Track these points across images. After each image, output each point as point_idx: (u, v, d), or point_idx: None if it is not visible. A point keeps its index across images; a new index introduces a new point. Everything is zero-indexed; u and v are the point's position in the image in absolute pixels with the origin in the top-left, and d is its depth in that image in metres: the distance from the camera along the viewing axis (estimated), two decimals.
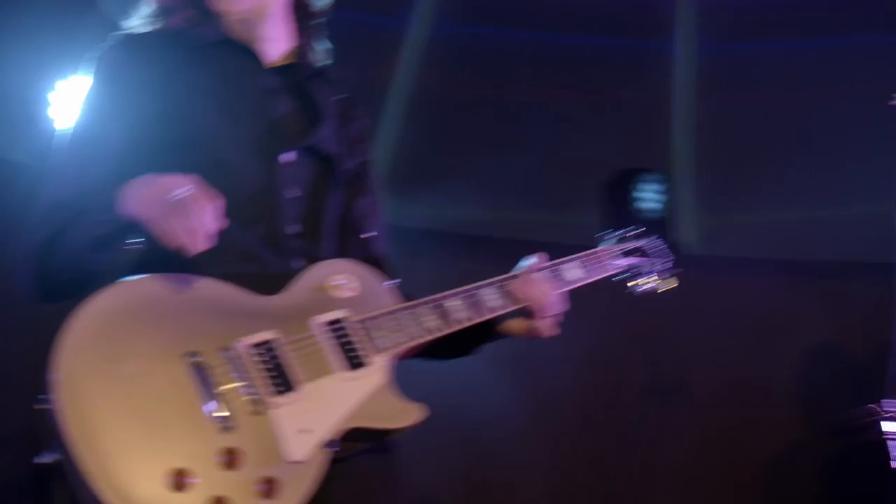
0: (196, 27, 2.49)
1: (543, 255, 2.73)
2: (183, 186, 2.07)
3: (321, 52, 2.69)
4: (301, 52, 2.62)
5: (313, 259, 2.40)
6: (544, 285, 2.64)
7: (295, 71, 2.58)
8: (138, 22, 2.53)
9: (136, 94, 2.36)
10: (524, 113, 6.60)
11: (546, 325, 2.65)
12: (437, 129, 6.59)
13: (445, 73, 6.79)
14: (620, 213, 6.21)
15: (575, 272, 2.78)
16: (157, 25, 2.52)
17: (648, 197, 6.33)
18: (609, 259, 2.92)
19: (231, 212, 2.21)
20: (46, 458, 1.99)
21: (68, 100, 5.32)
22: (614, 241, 3.00)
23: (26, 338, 3.34)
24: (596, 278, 2.85)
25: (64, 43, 5.39)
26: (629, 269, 3.00)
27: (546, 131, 6.51)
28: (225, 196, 2.21)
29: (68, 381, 1.96)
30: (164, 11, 2.52)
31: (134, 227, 2.14)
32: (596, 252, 2.89)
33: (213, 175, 2.27)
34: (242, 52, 2.50)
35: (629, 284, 3.01)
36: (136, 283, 2.13)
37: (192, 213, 2.04)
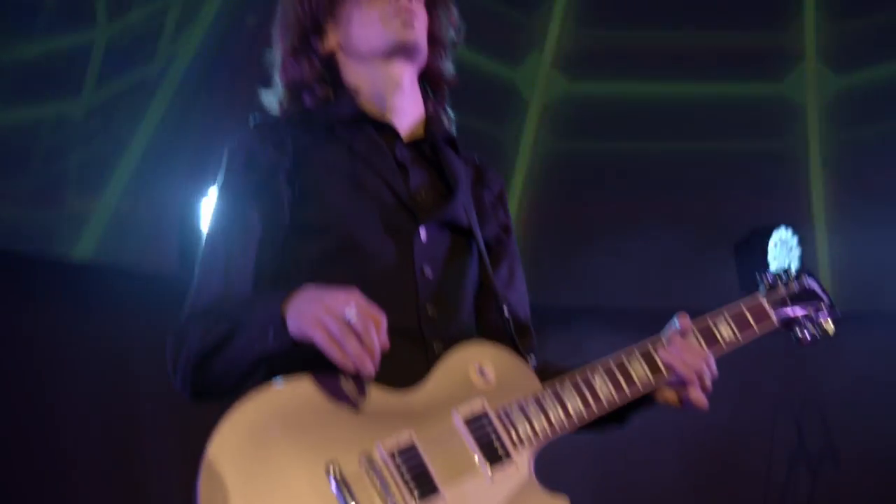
0: (328, 105, 2.50)
1: (686, 317, 2.50)
2: (349, 304, 2.03)
3: (449, 119, 2.66)
4: (431, 121, 2.58)
5: (453, 340, 2.34)
6: (694, 350, 2.43)
7: (426, 142, 2.55)
8: (272, 104, 2.57)
9: (268, 181, 2.36)
10: (652, 171, 6.58)
11: (698, 396, 2.42)
12: (564, 195, 6.62)
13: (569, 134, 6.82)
14: (757, 271, 6.18)
15: (727, 330, 2.51)
16: (291, 106, 2.54)
17: (783, 254, 6.30)
18: (764, 310, 2.60)
19: (367, 294, 2.15)
20: None
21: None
22: (764, 289, 2.67)
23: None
24: (752, 334, 2.56)
25: (215, 147, 5.61)
26: (789, 317, 2.65)
27: (676, 189, 6.49)
28: (360, 278, 2.23)
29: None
30: (297, 91, 2.53)
31: (299, 346, 2.09)
32: (749, 304, 2.58)
33: (348, 257, 2.30)
34: (374, 126, 2.49)
35: (791, 334, 2.69)
36: (280, 391, 2.11)
37: (365, 335, 2.02)
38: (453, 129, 2.64)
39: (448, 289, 2.41)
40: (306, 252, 2.32)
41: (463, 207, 2.49)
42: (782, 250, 6.34)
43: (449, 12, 2.61)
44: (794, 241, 6.39)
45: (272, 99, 2.57)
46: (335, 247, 2.32)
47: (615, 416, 2.46)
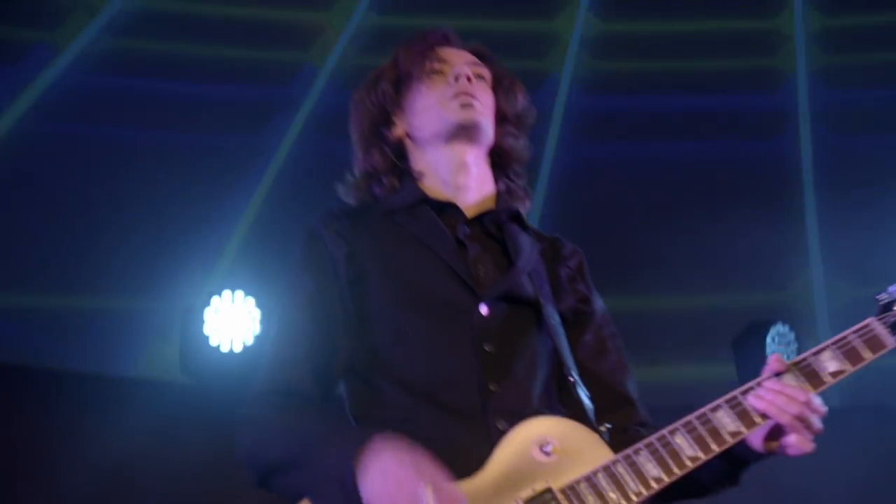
0: (393, 194, 2.52)
1: (780, 357, 2.25)
2: (426, 489, 1.98)
3: (525, 194, 2.63)
4: (499, 197, 2.56)
5: (520, 417, 2.23)
6: (790, 390, 2.19)
7: (490, 217, 2.52)
8: (346, 194, 2.59)
9: (330, 270, 2.38)
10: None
11: (802, 442, 2.17)
12: None
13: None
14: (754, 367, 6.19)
15: (834, 363, 2.22)
16: (360, 197, 2.57)
17: (780, 349, 6.33)
18: (876, 336, 2.26)
19: (432, 376, 2.19)
20: None
21: (223, 315, 5.51)
22: (878, 311, 2.31)
23: None
24: (863, 363, 2.25)
25: (215, 257, 5.62)
26: None
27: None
28: (420, 361, 2.23)
29: None
30: (368, 181, 2.57)
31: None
32: (859, 331, 2.27)
33: (406, 342, 2.29)
34: (435, 207, 2.48)
35: None
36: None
37: None
38: (527, 204, 2.63)
39: (513, 364, 2.34)
40: (365, 339, 2.32)
41: (528, 279, 2.45)
42: (780, 345, 6.38)
43: (516, 90, 2.63)
44: (791, 335, 6.43)
45: (345, 189, 2.60)
46: (392, 332, 2.32)
47: (701, 486, 2.30)
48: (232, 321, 5.56)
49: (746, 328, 6.46)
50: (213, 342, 5.52)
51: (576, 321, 2.51)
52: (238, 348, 5.54)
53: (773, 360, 2.24)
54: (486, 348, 2.31)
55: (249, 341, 5.55)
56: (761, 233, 6.50)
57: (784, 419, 2.16)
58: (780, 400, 2.17)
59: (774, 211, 6.71)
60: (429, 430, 2.21)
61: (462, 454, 2.17)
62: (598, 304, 2.57)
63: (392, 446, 2.06)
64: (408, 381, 2.29)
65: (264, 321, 5.53)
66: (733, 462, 2.25)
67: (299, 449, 2.18)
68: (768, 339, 6.37)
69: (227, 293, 5.58)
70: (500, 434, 2.21)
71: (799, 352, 6.32)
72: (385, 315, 2.34)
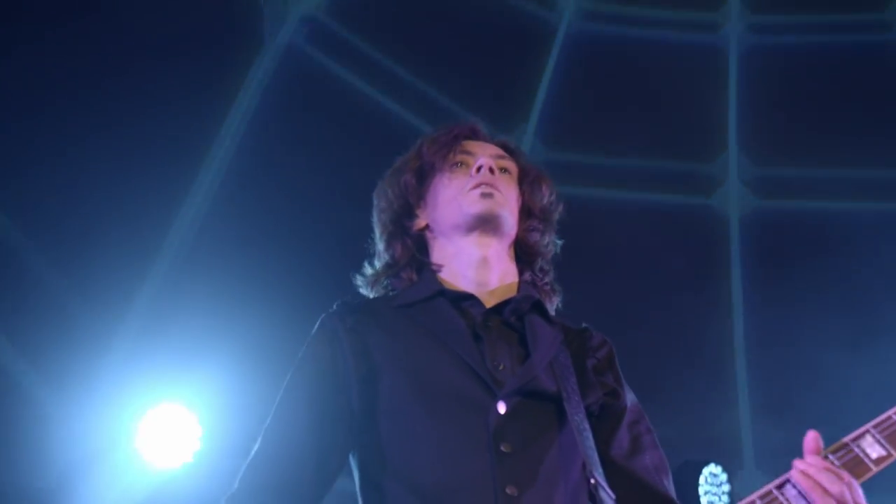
0: (410, 288, 2.44)
1: (817, 438, 2.09)
2: None
3: (551, 290, 2.54)
4: (520, 287, 2.46)
5: None
6: (843, 476, 2.03)
7: (511, 307, 2.39)
8: (361, 284, 2.53)
9: (340, 366, 2.28)
10: None
11: None
12: None
13: None
14: None
15: (876, 448, 2.07)
16: (378, 288, 2.51)
17: (712, 490, 6.34)
18: None
19: (444, 479, 2.08)
20: None
21: (157, 430, 5.23)
22: None
23: None
24: None
25: (155, 368, 5.36)
26: None
27: None
28: (433, 461, 2.12)
29: None
30: (386, 275, 2.50)
31: None
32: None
33: (417, 441, 2.17)
34: (455, 299, 2.38)
35: None
36: None
37: None
38: (554, 301, 2.53)
39: (533, 465, 2.18)
40: (374, 438, 2.21)
41: (549, 372, 2.29)
42: (711, 485, 6.39)
43: (542, 184, 2.57)
44: (723, 476, 6.45)
45: (363, 281, 2.53)
46: (402, 431, 2.19)
47: None
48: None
49: (679, 467, 6.45)
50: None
51: (605, 416, 2.35)
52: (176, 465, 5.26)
53: (809, 440, 2.08)
54: (503, 449, 2.15)
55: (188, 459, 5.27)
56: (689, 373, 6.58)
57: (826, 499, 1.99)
58: (824, 477, 2.00)
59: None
60: None
61: None
62: (630, 397, 2.41)
63: None
64: (417, 483, 2.15)
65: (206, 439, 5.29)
66: None
67: None
68: (701, 480, 6.38)
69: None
70: None
71: (731, 495, 6.45)
72: (395, 412, 2.22)
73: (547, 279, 2.54)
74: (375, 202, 2.57)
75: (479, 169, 2.43)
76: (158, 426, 5.25)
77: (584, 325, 2.49)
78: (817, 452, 2.06)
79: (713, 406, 6.82)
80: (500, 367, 2.27)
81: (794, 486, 2.03)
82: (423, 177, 2.52)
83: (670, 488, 2.34)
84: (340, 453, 2.24)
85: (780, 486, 2.03)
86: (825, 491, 2.00)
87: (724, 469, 6.43)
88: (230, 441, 5.15)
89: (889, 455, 2.05)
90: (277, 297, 5.40)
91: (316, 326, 2.36)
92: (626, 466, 2.30)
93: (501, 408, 2.18)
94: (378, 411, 2.23)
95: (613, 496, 2.20)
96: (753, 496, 2.02)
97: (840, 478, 2.00)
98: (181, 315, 5.48)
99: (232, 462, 4.78)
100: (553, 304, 2.53)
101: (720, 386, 6.86)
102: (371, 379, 2.25)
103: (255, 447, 2.25)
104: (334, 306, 2.39)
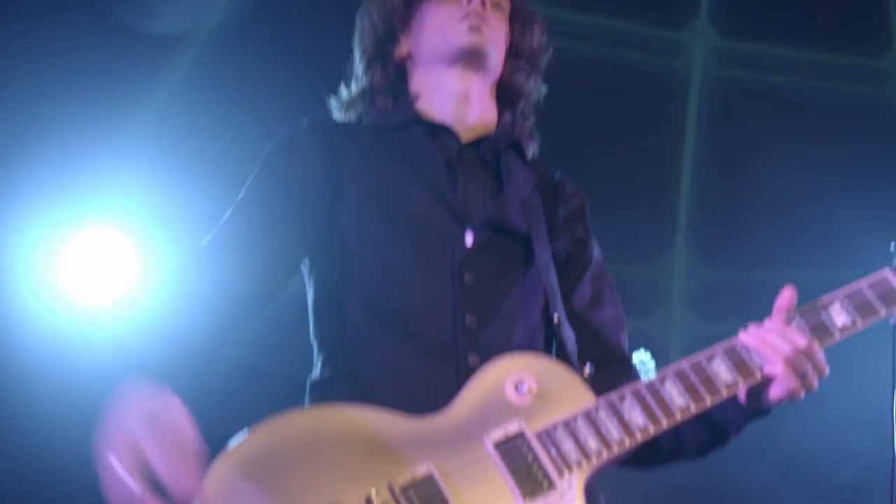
0: (385, 114, 2.44)
1: (791, 291, 2.11)
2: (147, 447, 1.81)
3: (525, 132, 2.51)
4: (499, 125, 2.45)
5: (495, 352, 2.09)
6: (790, 332, 2.04)
7: (487, 144, 2.40)
8: (335, 108, 2.51)
9: (297, 175, 2.27)
10: None
11: (797, 395, 2.03)
12: None
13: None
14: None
15: (843, 317, 2.09)
16: (351, 114, 2.49)
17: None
18: (892, 288, 2.13)
19: (403, 303, 2.12)
20: None
21: (80, 256, 4.84)
22: None
23: None
24: (876, 318, 2.11)
25: (80, 193, 4.94)
26: None
27: None
28: (393, 283, 2.16)
29: None
30: (362, 99, 2.48)
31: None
32: (873, 282, 2.14)
33: (381, 263, 2.20)
34: (431, 130, 2.38)
35: None
36: (270, 428, 1.93)
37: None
38: (532, 147, 2.52)
39: (495, 298, 2.20)
40: (338, 256, 2.23)
41: (520, 212, 2.31)
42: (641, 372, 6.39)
43: (534, 25, 2.53)
44: (652, 363, 6.44)
45: (338, 105, 2.52)
46: (367, 251, 2.22)
47: (698, 443, 2.16)
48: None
49: None
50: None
51: (570, 265, 2.37)
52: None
53: (782, 297, 2.09)
54: (467, 280, 2.19)
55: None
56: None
57: (775, 360, 2.01)
58: (774, 338, 2.02)
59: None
60: (393, 358, 2.13)
61: (427, 388, 2.06)
62: (597, 252, 2.44)
63: (145, 393, 1.89)
64: (375, 302, 2.18)
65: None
66: (717, 424, 2.11)
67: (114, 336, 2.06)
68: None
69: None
70: (471, 370, 2.07)
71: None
72: (360, 231, 2.23)
73: (527, 123, 2.52)
74: (358, 23, 2.53)
75: (469, 0, 2.37)
76: (85, 254, 4.77)
77: (558, 173, 2.50)
78: (788, 311, 2.08)
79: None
80: (472, 200, 2.30)
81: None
82: (411, 2, 2.47)
83: (625, 344, 2.36)
84: (290, 260, 2.26)
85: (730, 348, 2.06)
86: (775, 350, 2.02)
87: (653, 356, 6.42)
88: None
89: (854, 325, 2.08)
90: (240, 112, 4.95)
91: (280, 137, 2.34)
92: (585, 317, 2.33)
93: (469, 239, 2.22)
94: (343, 228, 2.24)
95: (573, 335, 2.25)
96: (716, 347, 2.04)
97: (792, 341, 2.02)
98: (125, 120, 5.02)
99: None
100: (530, 150, 2.52)
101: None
102: (338, 196, 2.25)
103: (203, 243, 2.24)
104: (304, 121, 2.37)
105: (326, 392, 2.14)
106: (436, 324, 2.15)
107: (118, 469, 1.79)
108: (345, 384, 2.13)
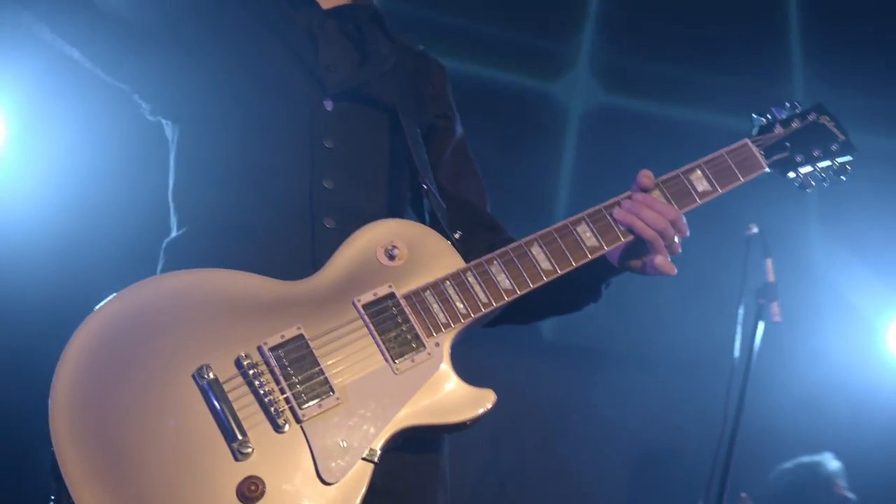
0: None
1: (649, 174, 2.19)
2: None
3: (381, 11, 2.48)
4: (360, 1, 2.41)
5: (352, 216, 2.12)
6: (657, 207, 2.12)
7: (349, 13, 2.38)
8: None
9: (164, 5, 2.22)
10: None
11: (663, 261, 2.12)
12: None
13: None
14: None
15: (703, 182, 2.19)
16: None
17: None
18: (752, 154, 2.25)
19: (261, 162, 2.11)
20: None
21: None
22: (757, 131, 2.31)
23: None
24: (735, 183, 2.21)
25: None
26: (785, 159, 2.30)
27: None
28: (248, 140, 2.14)
29: (63, 425, 1.78)
30: None
31: None
32: (733, 149, 2.25)
33: (239, 119, 2.18)
34: None
35: (794, 180, 2.33)
36: (137, 290, 1.91)
37: None
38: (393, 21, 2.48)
39: (356, 164, 2.22)
40: (199, 110, 2.19)
41: (384, 84, 2.32)
42: None
43: None
44: None
45: None
46: (227, 105, 2.18)
47: (566, 300, 2.22)
48: None
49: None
50: None
51: (434, 138, 2.40)
52: None
53: (642, 176, 2.16)
54: (326, 144, 2.20)
55: None
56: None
57: (648, 234, 2.09)
58: (647, 214, 2.10)
59: None
60: (250, 218, 2.11)
61: (283, 248, 2.07)
62: (459, 129, 2.49)
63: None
64: (235, 161, 2.17)
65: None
66: (582, 282, 2.17)
67: None
68: None
69: None
70: (327, 233, 2.10)
71: None
72: (219, 89, 2.18)
73: None
74: None
75: None
76: None
77: (421, 47, 2.52)
78: (649, 188, 2.15)
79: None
80: (333, 67, 2.27)
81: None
82: None
83: (489, 212, 2.42)
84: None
85: (609, 207, 2.13)
86: (647, 225, 2.09)
87: None
88: (42, 148, 4.50)
89: (714, 190, 2.17)
90: None
91: None
92: (449, 189, 2.37)
93: (328, 105, 2.22)
94: (202, 84, 2.19)
95: (444, 206, 2.26)
96: (582, 213, 2.11)
97: (662, 215, 2.10)
98: None
99: (43, 179, 4.12)
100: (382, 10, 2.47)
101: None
102: (197, 49, 2.20)
103: None
104: None
105: (183, 251, 2.13)
106: (293, 185, 2.14)
107: None
108: (201, 243, 2.11)
